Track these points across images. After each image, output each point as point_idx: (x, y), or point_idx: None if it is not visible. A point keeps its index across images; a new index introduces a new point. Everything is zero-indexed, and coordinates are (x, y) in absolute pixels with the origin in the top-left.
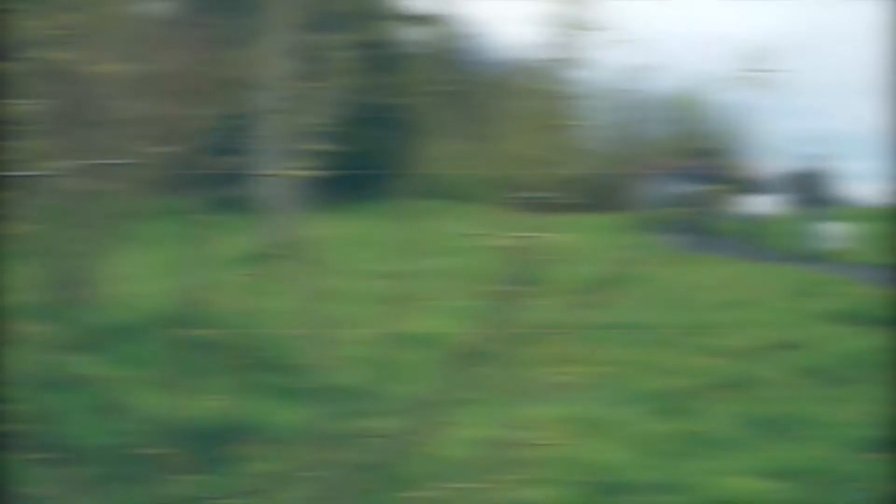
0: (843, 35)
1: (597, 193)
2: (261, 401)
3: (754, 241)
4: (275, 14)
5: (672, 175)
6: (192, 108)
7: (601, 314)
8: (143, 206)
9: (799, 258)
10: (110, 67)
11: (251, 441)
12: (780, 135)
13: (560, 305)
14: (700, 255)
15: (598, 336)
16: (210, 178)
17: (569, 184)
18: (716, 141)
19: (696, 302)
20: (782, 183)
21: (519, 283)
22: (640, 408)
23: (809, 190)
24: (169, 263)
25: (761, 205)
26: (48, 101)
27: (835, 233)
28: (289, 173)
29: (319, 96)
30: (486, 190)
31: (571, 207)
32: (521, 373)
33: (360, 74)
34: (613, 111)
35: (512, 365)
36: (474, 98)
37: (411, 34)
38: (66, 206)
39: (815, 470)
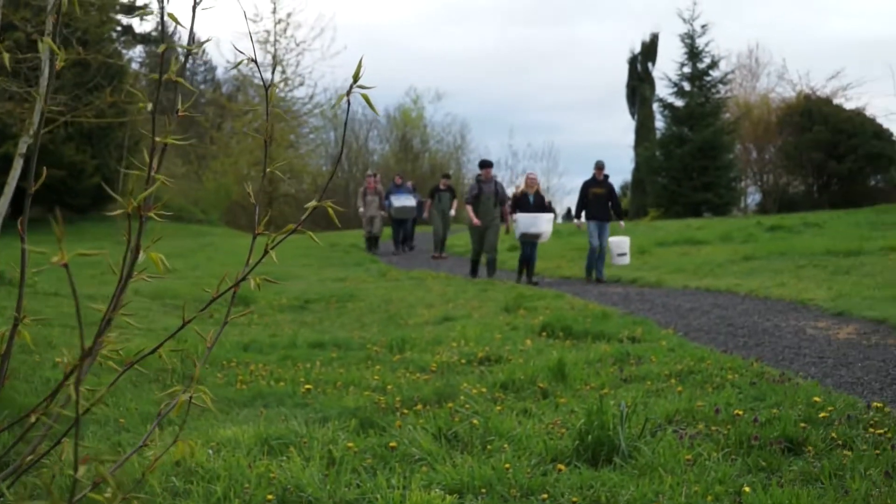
0: (568, 53)
1: (317, 210)
2: None
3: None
4: None
5: (397, 191)
6: None
7: (308, 332)
8: None
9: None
10: None
11: None
12: (513, 150)
13: (267, 324)
14: (419, 271)
15: (302, 354)
16: None
17: (288, 201)
18: (444, 156)
19: (406, 318)
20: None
21: (227, 302)
22: (335, 424)
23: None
24: None
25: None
26: None
27: (617, 247)
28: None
29: (30, 116)
30: (203, 209)
31: (288, 225)
32: (217, 392)
33: (76, 93)
34: (334, 129)
35: (208, 384)
36: (196, 117)
37: (133, 53)
38: None
39: (502, 483)
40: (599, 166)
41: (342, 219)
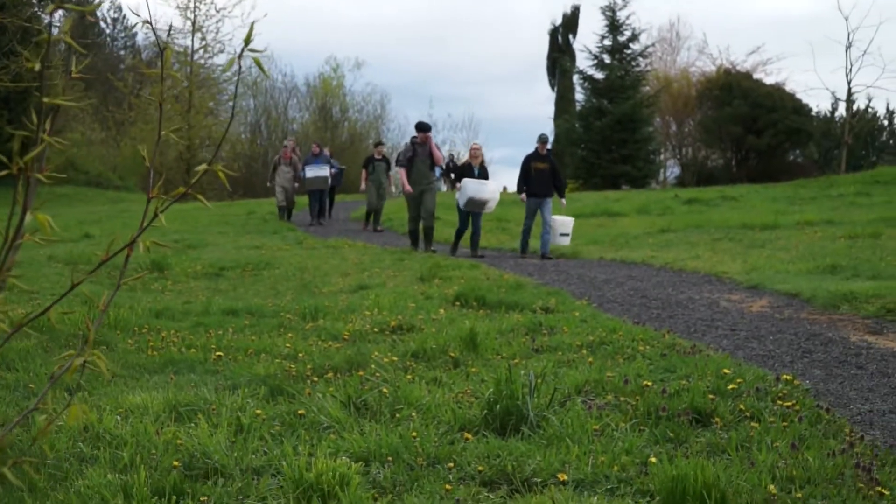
0: (490, 24)
1: (235, 179)
2: None
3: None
4: None
5: (314, 161)
6: None
7: (221, 299)
8: None
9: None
10: None
11: None
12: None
13: (181, 291)
14: (336, 240)
15: (215, 321)
16: None
17: (203, 168)
18: (364, 126)
19: (320, 287)
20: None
21: (140, 269)
22: (245, 392)
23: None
24: None
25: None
26: None
27: (562, 226)
28: None
29: None
30: (120, 175)
31: (207, 192)
32: (128, 358)
33: None
34: (254, 97)
35: (119, 350)
36: (113, 82)
37: (46, 15)
38: None
39: (409, 451)
40: (543, 140)
41: (262, 187)
